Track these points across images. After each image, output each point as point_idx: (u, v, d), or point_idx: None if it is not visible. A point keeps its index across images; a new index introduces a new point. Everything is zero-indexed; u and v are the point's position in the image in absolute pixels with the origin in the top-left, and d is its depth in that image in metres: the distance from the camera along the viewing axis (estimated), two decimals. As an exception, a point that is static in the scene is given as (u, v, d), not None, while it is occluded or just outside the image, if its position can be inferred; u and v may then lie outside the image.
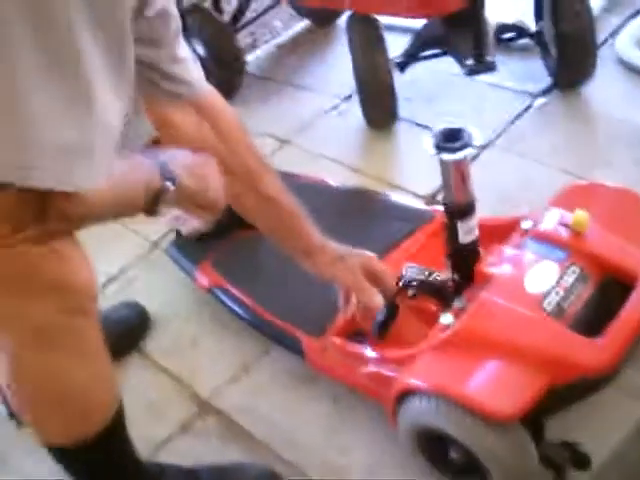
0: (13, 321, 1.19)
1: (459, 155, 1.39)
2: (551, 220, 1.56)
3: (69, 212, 1.03)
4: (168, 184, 1.18)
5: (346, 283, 1.54)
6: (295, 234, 1.52)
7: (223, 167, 1.35)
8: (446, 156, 1.39)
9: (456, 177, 1.43)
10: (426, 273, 1.60)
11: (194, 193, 1.25)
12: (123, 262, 2.25)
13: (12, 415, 1.74)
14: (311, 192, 2.02)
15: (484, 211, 1.54)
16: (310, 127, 2.70)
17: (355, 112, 2.63)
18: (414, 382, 1.40)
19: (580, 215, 1.51)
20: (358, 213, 2.02)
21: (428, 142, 1.40)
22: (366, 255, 1.55)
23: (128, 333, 1.96)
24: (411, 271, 1.61)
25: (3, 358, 1.27)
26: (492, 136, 2.42)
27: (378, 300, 1.49)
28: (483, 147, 2.33)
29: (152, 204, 1.18)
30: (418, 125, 2.52)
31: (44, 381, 1.27)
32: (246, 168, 1.46)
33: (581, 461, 1.41)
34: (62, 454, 1.40)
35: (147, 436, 1.56)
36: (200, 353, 1.95)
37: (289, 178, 1.89)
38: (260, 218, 1.53)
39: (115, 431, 1.41)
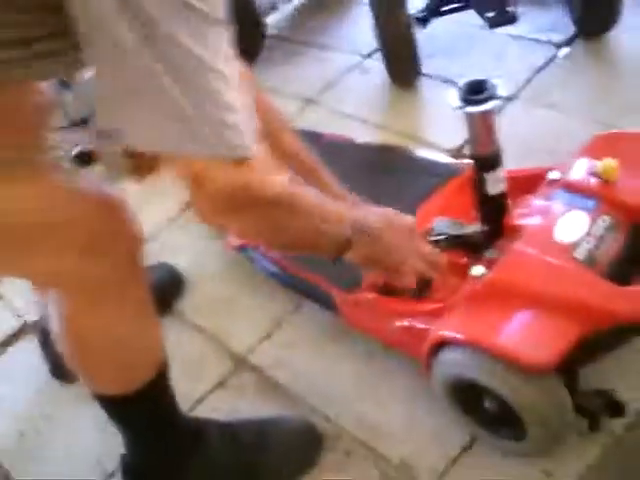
0: (71, 278, 1.24)
1: (485, 107, 1.39)
2: (579, 170, 1.54)
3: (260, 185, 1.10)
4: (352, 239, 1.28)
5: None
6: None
7: None
8: (472, 108, 1.39)
9: (482, 129, 1.43)
10: (456, 226, 1.60)
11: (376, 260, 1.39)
12: (153, 225, 2.26)
13: (56, 372, 1.80)
14: (338, 150, 2.02)
15: (511, 164, 1.53)
16: (334, 86, 2.70)
17: (378, 69, 2.62)
18: (448, 334, 1.40)
19: (609, 163, 1.49)
20: (385, 170, 2.00)
21: (453, 95, 1.40)
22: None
23: (162, 294, 1.96)
24: (441, 224, 1.61)
25: (57, 314, 1.32)
26: (517, 88, 2.40)
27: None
28: (508, 100, 2.32)
29: (333, 249, 1.30)
30: (442, 80, 2.50)
31: (96, 335, 1.31)
32: (266, 127, 1.47)
33: (616, 409, 1.41)
34: (110, 404, 1.45)
35: (185, 393, 1.58)
36: (233, 311, 1.97)
37: (315, 137, 1.89)
38: None
39: (161, 383, 1.45)
